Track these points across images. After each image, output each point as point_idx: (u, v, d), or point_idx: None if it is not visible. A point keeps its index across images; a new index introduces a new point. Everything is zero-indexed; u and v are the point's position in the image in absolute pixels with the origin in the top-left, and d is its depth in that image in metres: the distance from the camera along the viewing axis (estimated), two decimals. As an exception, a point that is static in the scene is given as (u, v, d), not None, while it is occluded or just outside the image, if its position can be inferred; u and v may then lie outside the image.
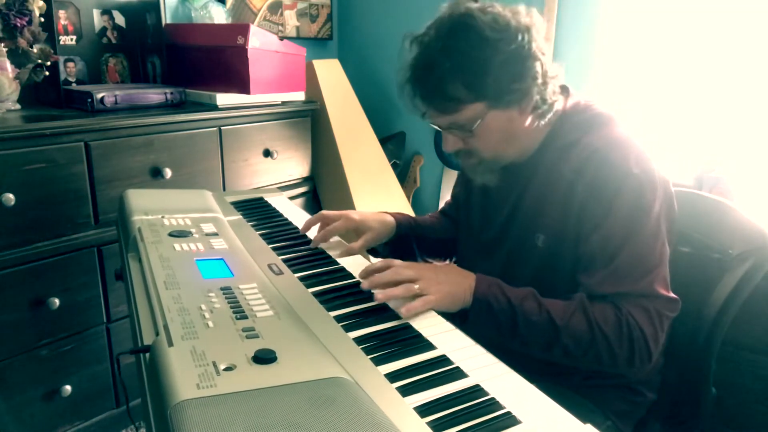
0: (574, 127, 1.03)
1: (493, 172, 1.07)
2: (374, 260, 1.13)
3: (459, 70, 0.94)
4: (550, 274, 1.03)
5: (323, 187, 2.48)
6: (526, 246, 1.05)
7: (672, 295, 0.95)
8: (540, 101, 0.99)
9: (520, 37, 0.94)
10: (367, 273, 0.96)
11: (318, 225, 1.22)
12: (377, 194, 2.45)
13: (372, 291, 0.93)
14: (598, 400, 1.06)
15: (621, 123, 1.03)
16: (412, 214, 2.52)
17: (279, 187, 2.10)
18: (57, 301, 1.58)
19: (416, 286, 0.91)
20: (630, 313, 0.92)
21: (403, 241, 1.27)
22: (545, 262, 1.03)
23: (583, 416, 1.01)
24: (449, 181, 2.66)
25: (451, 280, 0.95)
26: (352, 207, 2.35)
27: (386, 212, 1.27)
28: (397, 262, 0.96)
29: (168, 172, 1.76)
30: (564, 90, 1.08)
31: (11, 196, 1.45)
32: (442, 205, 2.66)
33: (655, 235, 0.95)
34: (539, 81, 0.97)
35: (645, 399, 1.10)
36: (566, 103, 1.06)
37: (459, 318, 0.92)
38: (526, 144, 1.05)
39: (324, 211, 1.22)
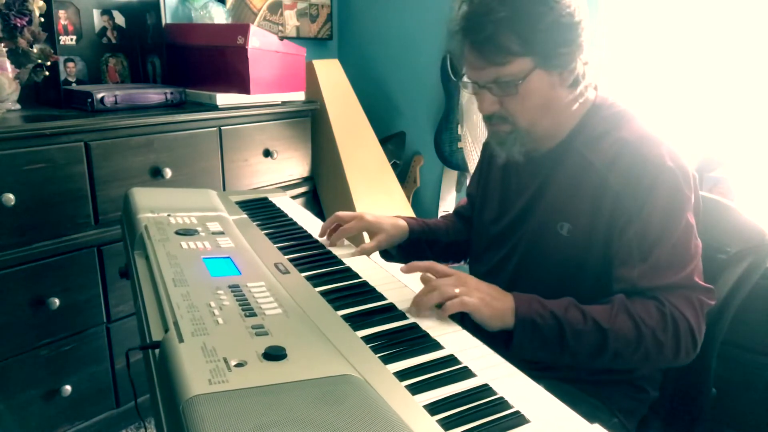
0: (602, 120, 1.05)
1: (522, 145, 1.05)
2: (382, 262, 1.13)
3: (514, 20, 0.94)
4: (574, 265, 1.02)
5: (323, 187, 2.47)
6: (548, 234, 1.05)
7: (708, 285, 0.96)
8: (580, 76, 1.01)
9: (574, 5, 0.96)
10: (410, 268, 1.00)
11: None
12: (377, 194, 2.45)
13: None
14: (604, 398, 1.06)
15: (647, 120, 1.04)
16: (412, 214, 2.54)
17: (279, 187, 2.10)
18: (57, 301, 1.57)
19: (457, 290, 0.91)
20: (673, 304, 0.92)
21: (415, 246, 1.27)
22: (570, 252, 1.03)
23: (590, 414, 1.00)
24: (449, 181, 2.66)
25: (493, 294, 0.94)
26: (351, 207, 2.35)
27: (399, 216, 1.27)
28: (441, 267, 0.97)
29: (168, 172, 1.75)
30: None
31: (11, 196, 1.44)
32: (441, 205, 2.68)
33: (690, 229, 0.96)
34: (583, 54, 0.99)
35: (648, 396, 1.11)
36: (595, 97, 1.07)
37: (502, 344, 0.90)
38: (559, 122, 1.05)
39: (339, 212, 1.22)
